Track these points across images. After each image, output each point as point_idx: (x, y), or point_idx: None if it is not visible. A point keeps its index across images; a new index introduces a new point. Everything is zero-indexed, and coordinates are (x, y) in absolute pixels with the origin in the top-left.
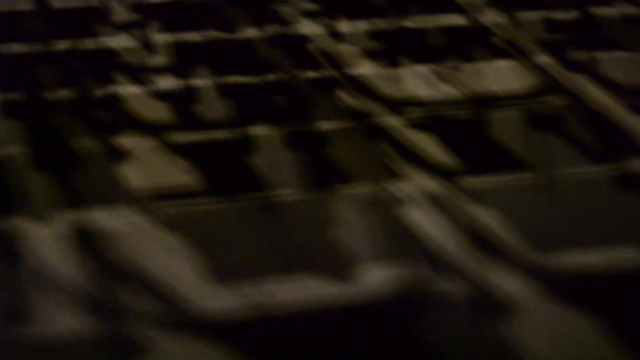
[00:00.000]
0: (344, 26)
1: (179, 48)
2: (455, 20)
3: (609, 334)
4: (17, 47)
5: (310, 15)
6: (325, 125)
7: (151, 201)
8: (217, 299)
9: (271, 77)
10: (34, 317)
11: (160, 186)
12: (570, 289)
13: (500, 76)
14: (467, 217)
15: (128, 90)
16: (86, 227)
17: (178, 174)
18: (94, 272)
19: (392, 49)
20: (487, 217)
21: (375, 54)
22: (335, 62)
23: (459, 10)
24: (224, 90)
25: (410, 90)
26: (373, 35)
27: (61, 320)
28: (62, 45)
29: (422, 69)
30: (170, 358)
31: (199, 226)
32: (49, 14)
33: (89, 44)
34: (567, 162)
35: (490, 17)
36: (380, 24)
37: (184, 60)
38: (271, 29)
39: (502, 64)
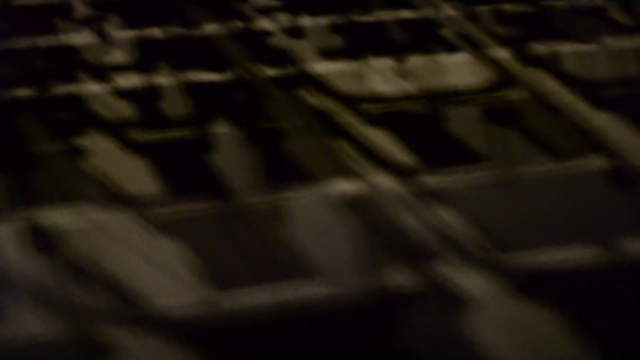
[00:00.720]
0: (305, 22)
1: (140, 44)
2: (412, 15)
3: (568, 330)
4: None
5: (270, 11)
6: (286, 123)
7: (111, 200)
8: (176, 297)
9: (232, 74)
10: None
11: (120, 185)
12: (530, 286)
13: (459, 71)
14: (428, 215)
15: (89, 88)
16: (45, 226)
17: (138, 173)
18: (53, 270)
19: (352, 45)
20: (448, 215)
21: (335, 50)
22: (295, 58)
23: (416, 5)
24: (186, 88)
25: (369, 86)
26: (333, 31)
27: (20, 320)
28: (22, 42)
29: (382, 64)
30: (130, 356)
31: (159, 225)
32: (9, 10)
33: (49, 41)
34: (527, 158)
35: (447, 12)
36: (340, 19)
37: (146, 57)
38: (232, 25)
39: (460, 58)
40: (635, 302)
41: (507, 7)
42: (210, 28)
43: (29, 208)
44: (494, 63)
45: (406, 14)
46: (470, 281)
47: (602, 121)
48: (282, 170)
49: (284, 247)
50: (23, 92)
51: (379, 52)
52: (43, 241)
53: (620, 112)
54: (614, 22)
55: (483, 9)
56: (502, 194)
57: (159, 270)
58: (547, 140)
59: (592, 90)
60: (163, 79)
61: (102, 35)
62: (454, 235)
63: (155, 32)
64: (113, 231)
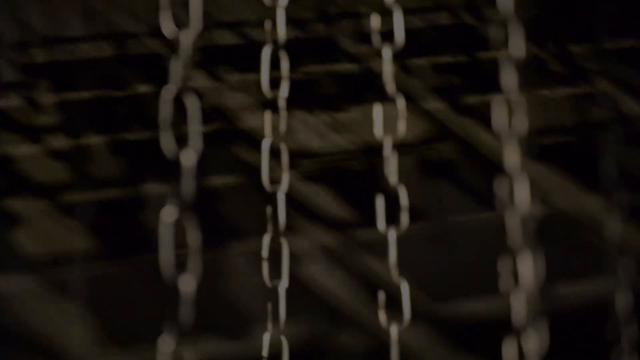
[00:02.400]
0: (236, 77)
1: (68, 106)
2: (345, 68)
3: None
4: None
5: (200, 67)
6: (219, 181)
7: (44, 264)
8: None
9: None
10: None
11: (53, 249)
12: (463, 336)
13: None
14: (362, 269)
15: (18, 150)
16: None
17: (71, 236)
18: None
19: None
20: (382, 268)
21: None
22: (227, 114)
23: (350, 58)
24: (117, 148)
25: (302, 142)
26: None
27: None
28: None
29: (315, 119)
30: None
31: (93, 288)
32: None
33: None
34: (459, 210)
35: (379, 65)
36: (272, 73)
37: (74, 118)
38: (161, 83)
39: (393, 111)
40: (570, 347)
41: (442, 58)
42: (142, 87)
43: None
44: (428, 115)
45: (339, 67)
46: (406, 333)
47: (534, 171)
48: (216, 228)
49: (221, 306)
50: None
51: (312, 106)
52: None
53: (552, 161)
54: (549, 71)
55: (417, 62)
56: (436, 246)
57: (93, 334)
58: (480, 192)
59: (526, 142)
60: (93, 140)
61: (31, 99)
62: (390, 289)
63: (84, 94)
64: (46, 296)
